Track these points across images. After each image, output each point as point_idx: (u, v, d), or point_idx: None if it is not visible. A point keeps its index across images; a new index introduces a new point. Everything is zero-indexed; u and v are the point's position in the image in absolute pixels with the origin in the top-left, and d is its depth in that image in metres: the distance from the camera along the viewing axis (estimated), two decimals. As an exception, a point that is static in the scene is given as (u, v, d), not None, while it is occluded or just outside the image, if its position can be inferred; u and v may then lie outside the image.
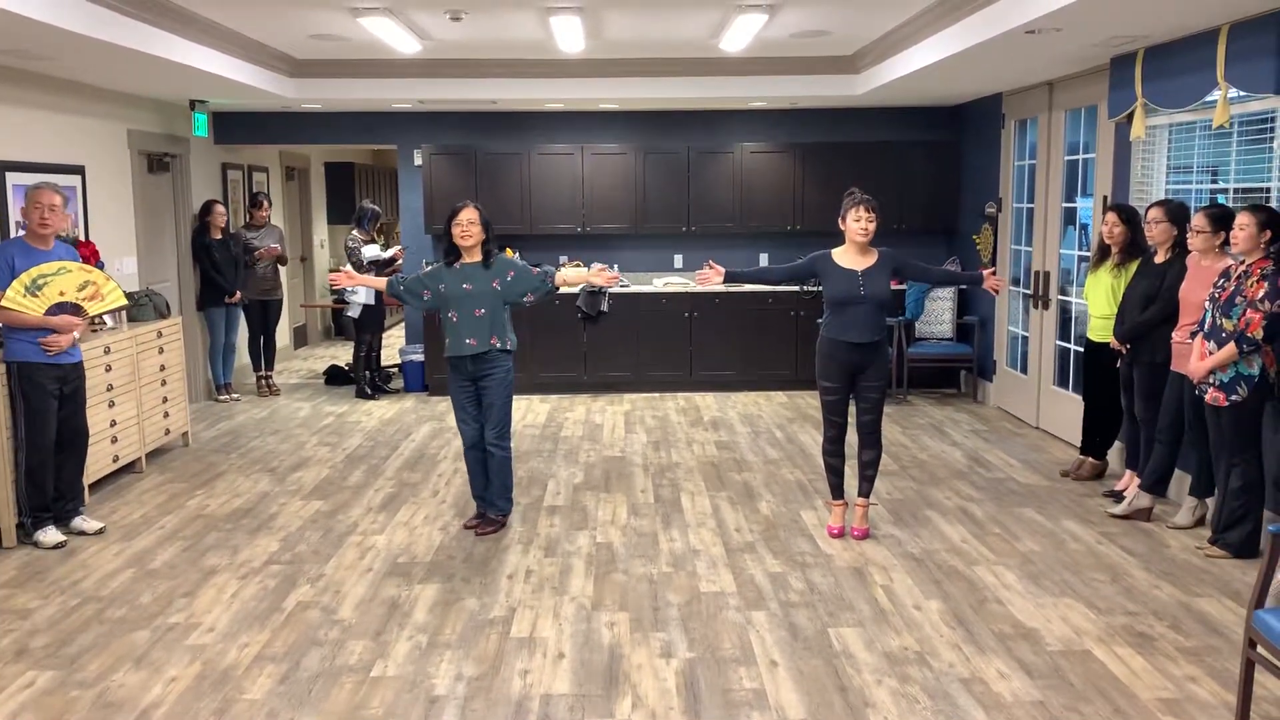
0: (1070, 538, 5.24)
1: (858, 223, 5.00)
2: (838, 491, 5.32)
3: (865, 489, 5.27)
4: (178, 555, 5.11)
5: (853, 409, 5.22)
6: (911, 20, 6.53)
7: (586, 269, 9.28)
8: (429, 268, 5.46)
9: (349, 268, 8.83)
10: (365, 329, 9.05)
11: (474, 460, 5.40)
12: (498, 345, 5.22)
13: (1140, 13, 4.87)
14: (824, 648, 4.00)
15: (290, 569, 4.90)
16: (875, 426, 5.16)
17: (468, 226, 5.16)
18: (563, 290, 8.95)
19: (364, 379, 9.10)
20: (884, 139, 9.43)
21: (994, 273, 5.34)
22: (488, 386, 5.26)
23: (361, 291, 8.79)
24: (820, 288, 5.18)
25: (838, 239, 5.15)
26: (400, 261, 9.24)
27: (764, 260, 9.60)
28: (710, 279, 5.18)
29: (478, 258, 5.25)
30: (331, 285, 5.52)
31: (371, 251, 8.86)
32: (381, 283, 5.47)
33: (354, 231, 8.98)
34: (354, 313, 8.94)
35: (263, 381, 9.30)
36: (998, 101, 8.33)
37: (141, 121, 8.09)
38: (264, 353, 9.28)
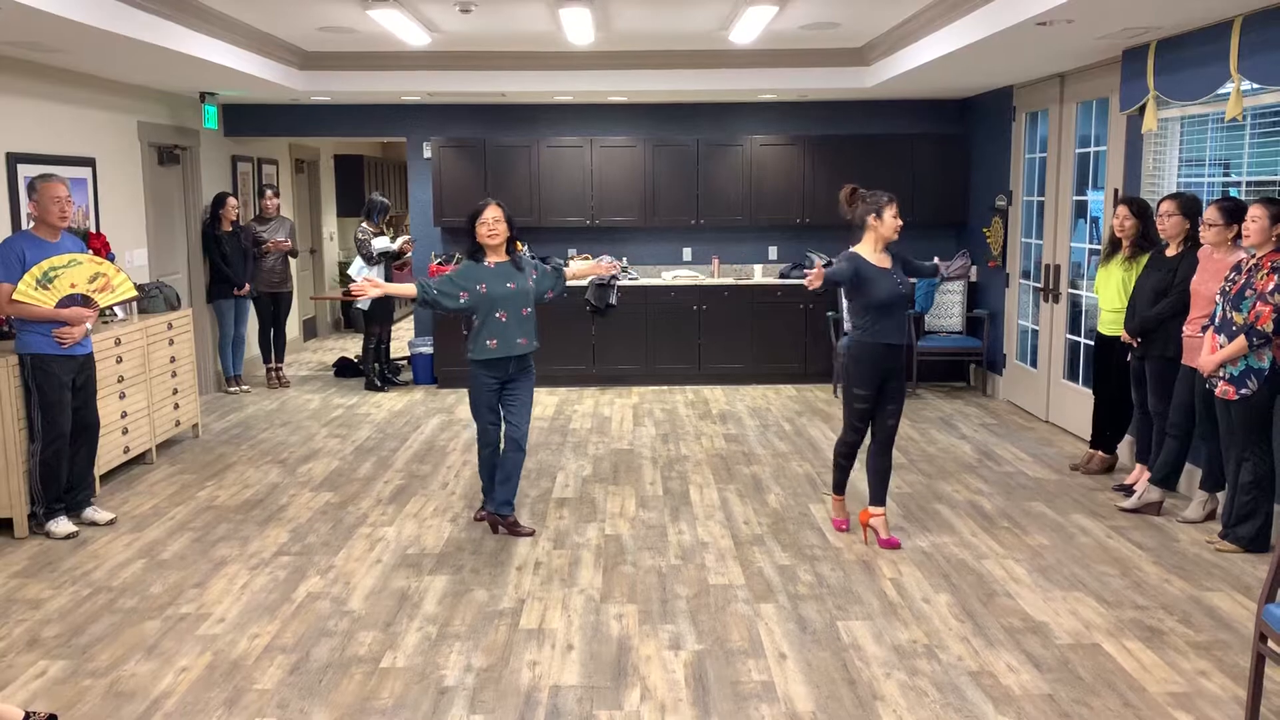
0: (1080, 531, 5.23)
1: (896, 219, 4.90)
2: (842, 487, 5.28)
3: (882, 496, 5.09)
4: (188, 546, 5.13)
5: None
6: (922, 12, 6.51)
7: (594, 262, 9.32)
8: (458, 266, 5.22)
9: (360, 261, 8.86)
10: (375, 321, 9.07)
11: (493, 461, 5.28)
12: (536, 343, 5.21)
13: (1153, 4, 4.85)
14: (833, 640, 4.00)
15: (300, 560, 4.92)
16: (895, 432, 5.06)
17: (494, 225, 5.05)
18: (570, 283, 9.00)
19: (373, 371, 9.12)
20: (894, 132, 9.41)
21: (947, 264, 5.18)
22: (522, 385, 5.20)
23: None
24: (842, 287, 4.99)
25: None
26: (409, 254, 9.26)
27: (773, 253, 9.60)
28: (815, 282, 4.76)
29: (504, 256, 5.14)
30: (356, 294, 5.18)
31: (381, 244, 8.88)
32: (411, 289, 5.11)
33: (364, 224, 8.99)
34: (363, 305, 8.96)
35: (272, 373, 9.33)
36: (1008, 94, 8.29)
37: (152, 114, 8.11)
38: (274, 345, 9.31)
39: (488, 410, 5.20)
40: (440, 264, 9.24)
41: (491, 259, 5.13)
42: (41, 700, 3.58)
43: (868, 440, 5.12)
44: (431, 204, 9.47)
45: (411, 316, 11.83)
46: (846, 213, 5.06)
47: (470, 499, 5.86)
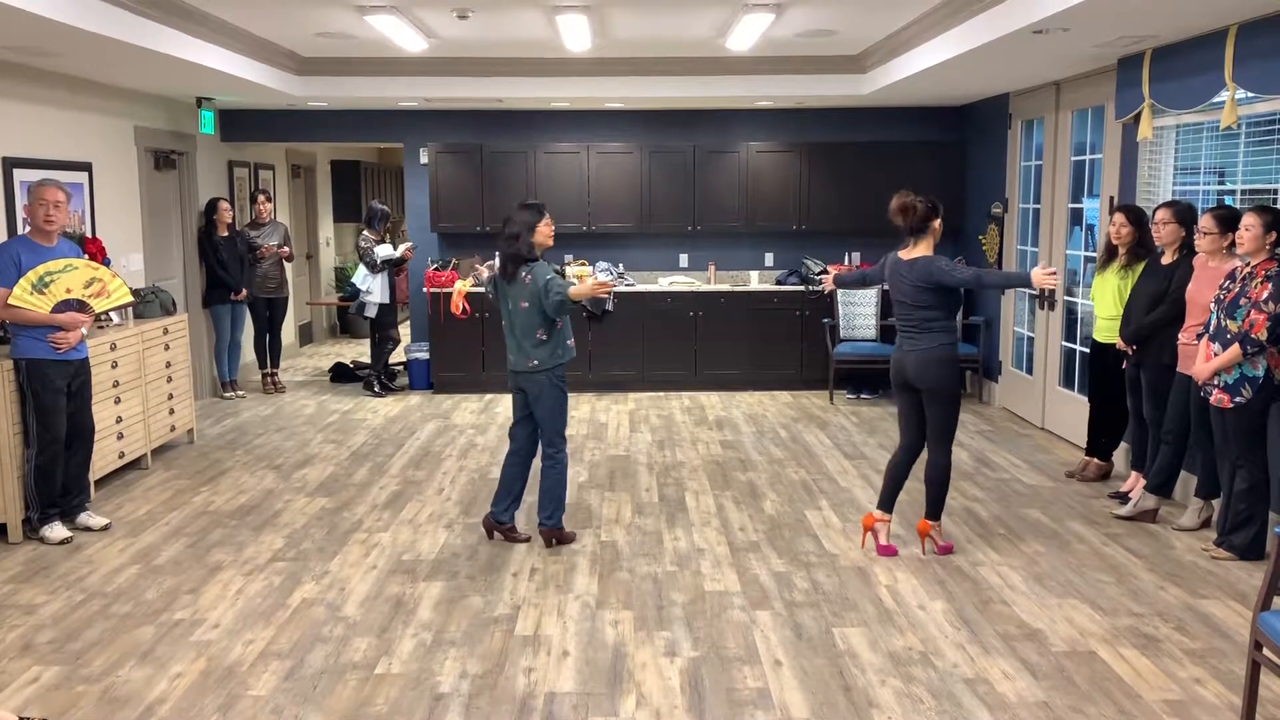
0: (1075, 539, 5.23)
1: None
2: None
3: (891, 506, 5.13)
4: (183, 551, 5.12)
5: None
6: (918, 20, 6.52)
7: (590, 268, 9.34)
8: (538, 267, 4.89)
9: (363, 269, 8.88)
10: (383, 326, 9.07)
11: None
12: None
13: (1148, 12, 4.86)
14: (828, 647, 3.99)
15: (295, 566, 4.91)
16: None
17: (549, 225, 4.96)
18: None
19: (372, 376, 9.11)
20: (890, 139, 9.43)
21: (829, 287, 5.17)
22: None
23: (376, 290, 8.85)
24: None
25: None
26: (409, 261, 9.26)
27: (769, 260, 9.61)
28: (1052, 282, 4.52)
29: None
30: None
31: (385, 251, 8.89)
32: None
33: (365, 232, 9.00)
34: (371, 312, 8.97)
35: (268, 378, 9.31)
36: (1004, 101, 8.31)
37: (148, 118, 8.11)
38: (269, 350, 9.30)
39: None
40: (436, 269, 9.24)
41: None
42: (35, 706, 3.56)
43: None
44: (428, 210, 9.46)
45: (408, 322, 11.81)
46: (902, 219, 4.79)
47: (466, 505, 5.85)
